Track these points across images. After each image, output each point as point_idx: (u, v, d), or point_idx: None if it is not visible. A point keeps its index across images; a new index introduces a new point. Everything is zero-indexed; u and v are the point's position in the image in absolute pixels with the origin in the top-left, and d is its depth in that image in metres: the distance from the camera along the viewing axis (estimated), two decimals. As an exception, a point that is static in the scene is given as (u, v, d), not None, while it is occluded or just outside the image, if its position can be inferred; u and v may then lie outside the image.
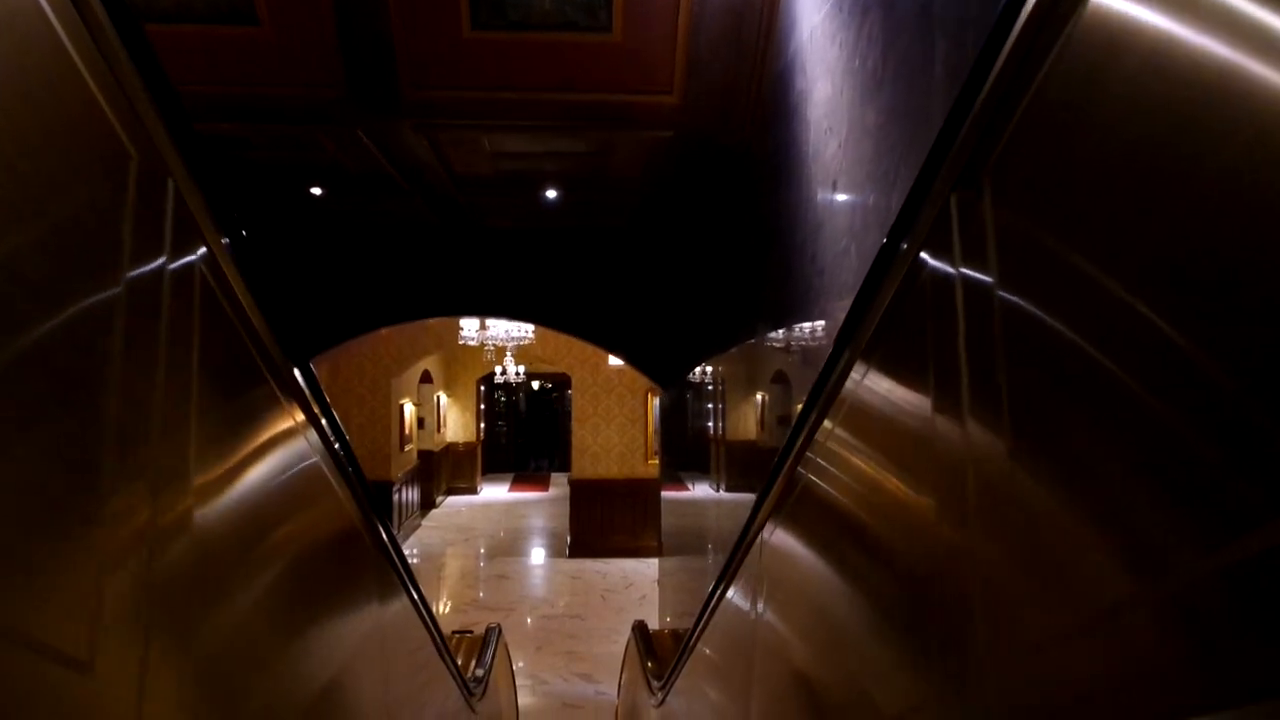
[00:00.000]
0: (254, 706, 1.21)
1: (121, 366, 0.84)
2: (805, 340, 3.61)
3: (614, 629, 8.62)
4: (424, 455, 14.74)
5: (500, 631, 5.61)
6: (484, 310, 6.11)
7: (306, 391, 1.45)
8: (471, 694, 4.10)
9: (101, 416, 0.80)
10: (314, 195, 5.48)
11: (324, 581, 1.65)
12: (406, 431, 12.86)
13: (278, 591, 1.33)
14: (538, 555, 12.13)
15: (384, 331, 11.70)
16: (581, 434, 11.92)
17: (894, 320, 1.18)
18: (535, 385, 21.25)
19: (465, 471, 17.13)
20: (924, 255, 1.08)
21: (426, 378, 15.21)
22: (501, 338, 7.45)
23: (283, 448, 1.35)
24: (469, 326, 7.43)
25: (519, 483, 18.76)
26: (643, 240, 6.21)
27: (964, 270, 0.96)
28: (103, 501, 0.80)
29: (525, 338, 10.09)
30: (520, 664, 7.33)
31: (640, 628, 5.49)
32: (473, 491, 17.01)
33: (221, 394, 1.14)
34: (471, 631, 5.68)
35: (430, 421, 15.64)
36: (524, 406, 21.75)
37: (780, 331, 4.10)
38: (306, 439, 1.46)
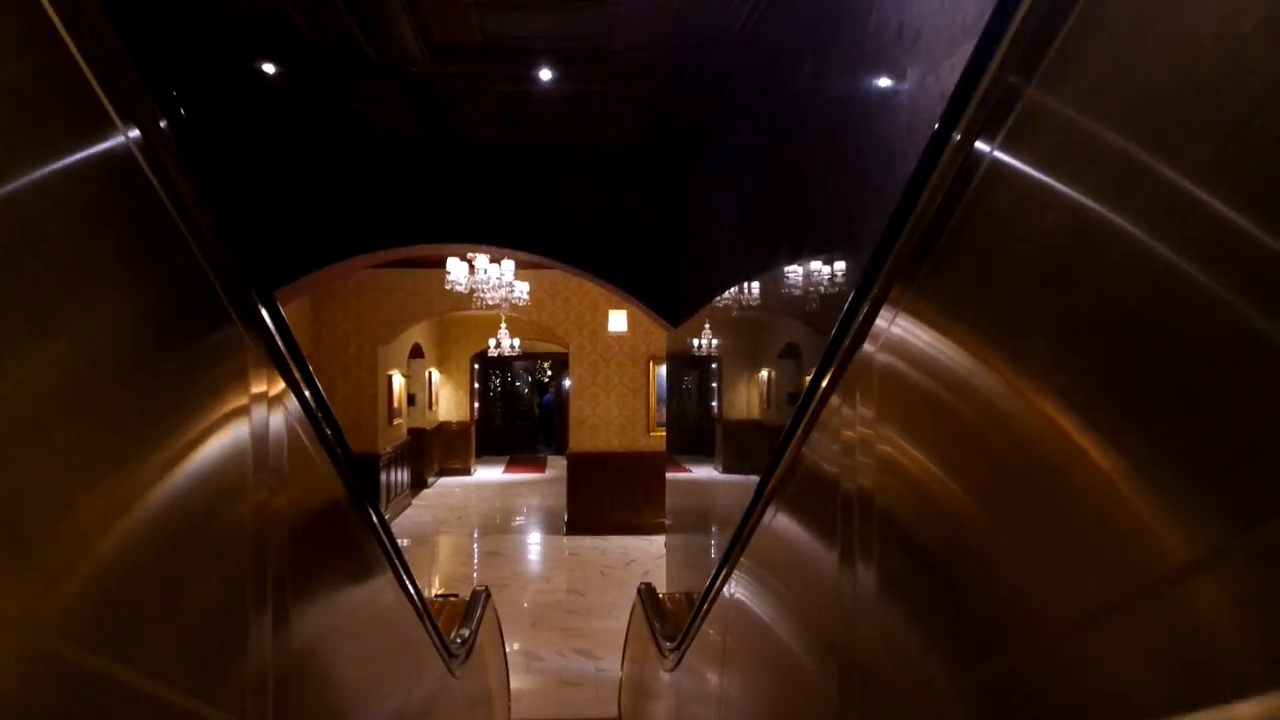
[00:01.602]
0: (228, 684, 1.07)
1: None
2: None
3: (615, 605, 8.01)
4: (415, 433, 14.12)
5: (489, 595, 4.99)
6: (472, 237, 5.44)
7: (270, 324, 1.20)
8: (452, 656, 3.48)
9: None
10: (265, 75, 4.74)
11: (302, 551, 1.41)
12: (395, 405, 12.22)
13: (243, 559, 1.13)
14: (533, 533, 11.51)
15: (370, 295, 11.08)
16: (579, 404, 11.29)
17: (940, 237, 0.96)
18: (534, 374, 20.63)
19: (458, 451, 16.53)
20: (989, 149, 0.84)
21: (417, 352, 14.58)
22: (494, 285, 6.81)
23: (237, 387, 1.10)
24: (457, 272, 6.79)
25: (514, 465, 18.20)
26: (649, 159, 5.52)
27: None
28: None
29: (521, 299, 9.44)
30: (515, 645, 6.71)
31: (647, 590, 4.87)
32: (466, 472, 16.43)
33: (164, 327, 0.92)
34: (456, 595, 5.06)
35: (421, 398, 15.03)
36: (520, 388, 21.12)
37: (816, 263, 3.47)
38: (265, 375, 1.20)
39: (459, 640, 3.92)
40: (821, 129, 3.42)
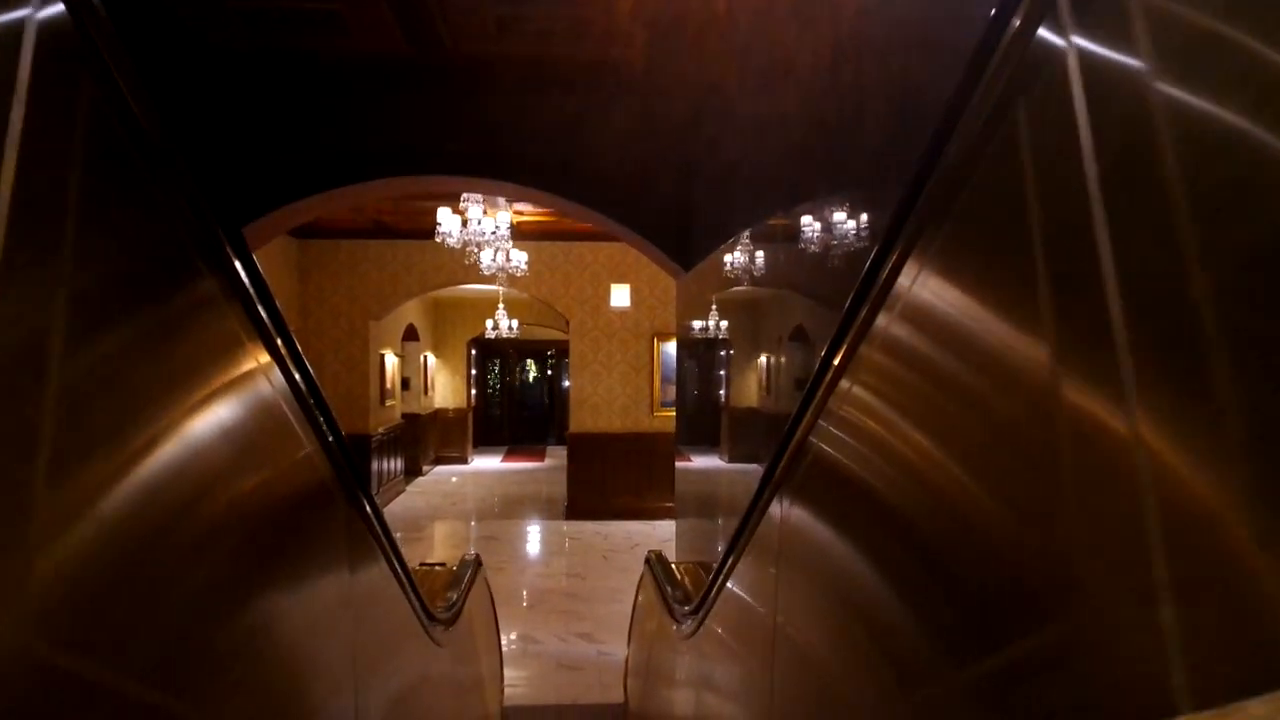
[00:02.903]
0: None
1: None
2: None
3: (619, 589, 7.48)
4: (410, 419, 13.61)
5: (480, 564, 4.48)
6: (463, 168, 4.87)
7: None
8: (433, 621, 2.96)
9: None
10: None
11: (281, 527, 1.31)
12: (388, 385, 11.70)
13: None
14: (531, 518, 10.98)
15: (360, 267, 10.57)
16: (580, 382, 10.76)
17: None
18: (531, 361, 20.09)
19: (455, 439, 16.02)
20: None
21: (412, 335, 14.07)
22: (488, 237, 6.29)
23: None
24: (449, 224, 6.28)
25: (513, 454, 17.68)
26: (662, 79, 4.94)
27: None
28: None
29: (519, 268, 8.91)
30: (511, 631, 6.19)
31: (658, 558, 4.35)
32: (463, 461, 15.92)
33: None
34: (444, 565, 4.54)
35: (416, 383, 14.52)
36: (518, 375, 20.59)
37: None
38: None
39: (444, 607, 3.40)
40: (858, 46, 2.90)
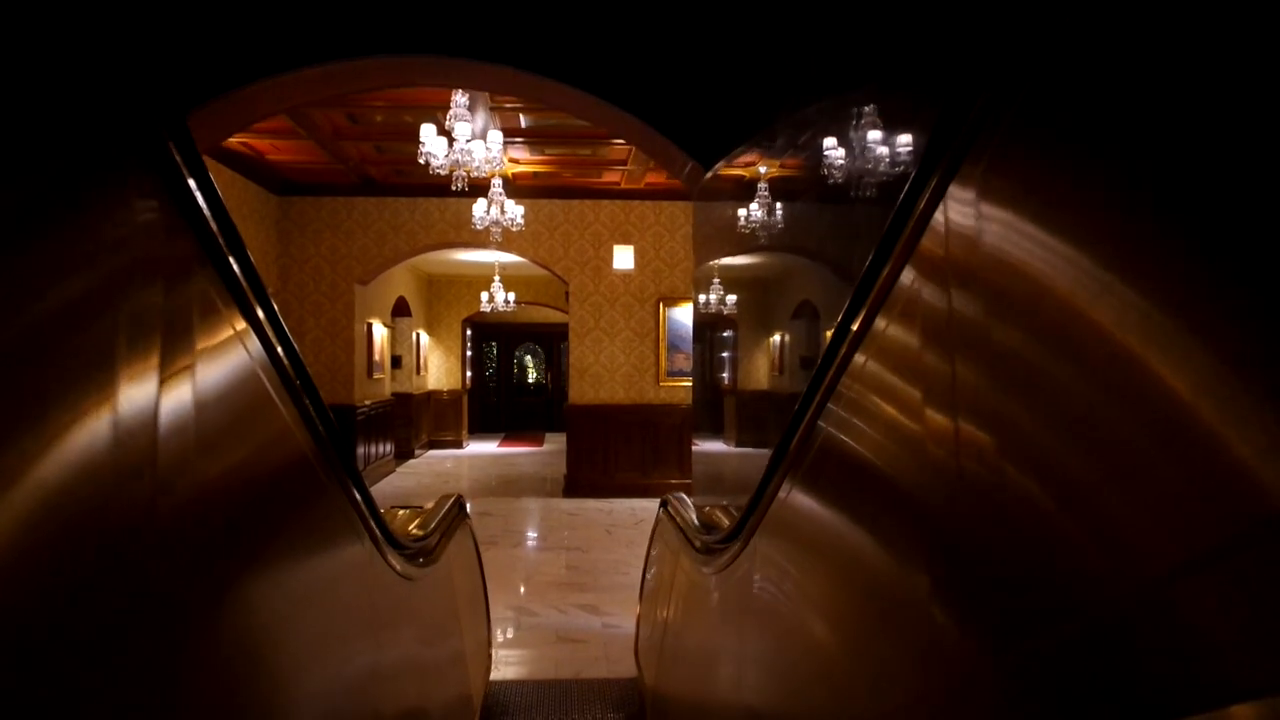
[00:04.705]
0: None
1: None
2: None
3: (624, 562, 6.78)
4: (401, 399, 12.90)
5: (463, 505, 3.76)
6: (446, 44, 4.09)
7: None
8: (392, 544, 2.25)
9: None
10: None
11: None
12: (376, 357, 10.98)
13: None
14: (528, 497, 10.25)
15: (344, 225, 9.86)
16: (580, 351, 10.04)
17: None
18: (528, 350, 19.36)
19: (449, 423, 15.31)
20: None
21: (403, 309, 13.36)
22: (478, 163, 5.57)
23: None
24: (433, 144, 5.57)
25: (510, 440, 16.96)
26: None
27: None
28: None
29: (515, 221, 8.19)
30: (502, 606, 5.46)
31: (676, 498, 3.62)
32: (458, 446, 15.20)
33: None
34: (421, 508, 3.82)
35: (408, 361, 13.81)
36: (516, 359, 19.87)
37: None
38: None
39: (415, 539, 2.68)
40: None
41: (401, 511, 3.54)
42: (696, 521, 2.96)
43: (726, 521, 2.81)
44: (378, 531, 2.06)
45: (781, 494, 1.72)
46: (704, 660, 2.67)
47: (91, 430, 0.72)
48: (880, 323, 1.19)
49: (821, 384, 1.42)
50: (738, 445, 14.60)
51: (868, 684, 1.22)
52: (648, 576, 4.28)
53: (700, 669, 2.71)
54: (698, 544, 2.81)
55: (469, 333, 16.24)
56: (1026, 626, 0.75)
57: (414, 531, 2.84)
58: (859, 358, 1.27)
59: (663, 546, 3.85)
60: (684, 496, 3.64)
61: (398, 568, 2.33)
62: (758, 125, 3.91)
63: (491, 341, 19.30)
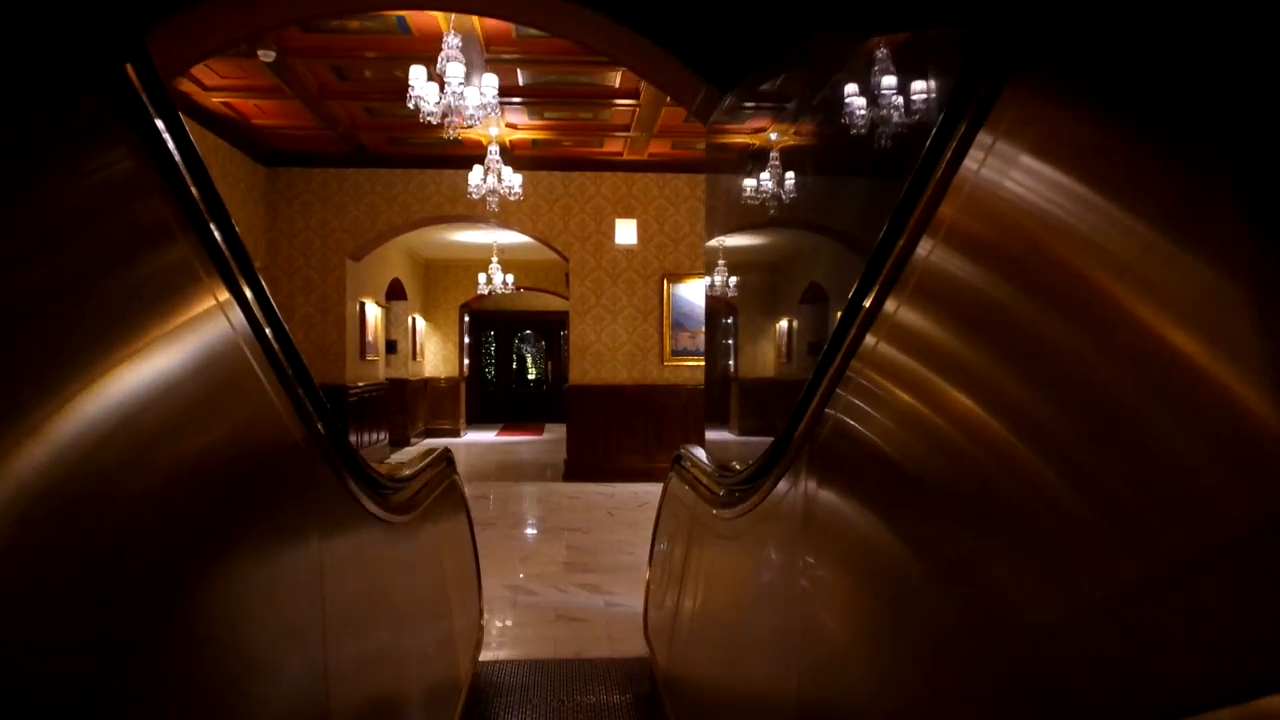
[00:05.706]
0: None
1: None
2: None
3: (628, 542, 6.39)
4: (396, 384, 12.52)
5: (451, 460, 3.37)
6: None
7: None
8: (378, 489, 1.85)
9: None
10: None
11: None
12: (370, 338, 10.59)
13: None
14: (527, 481, 9.85)
15: (335, 198, 9.49)
16: (581, 329, 9.64)
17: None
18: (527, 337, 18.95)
19: (447, 411, 14.91)
20: None
21: (398, 292, 12.96)
22: (472, 110, 5.17)
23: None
24: (424, 88, 5.17)
25: (509, 429, 16.58)
26: None
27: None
28: None
29: (513, 190, 7.79)
30: (497, 585, 5.04)
31: (687, 450, 3.23)
32: (455, 434, 14.80)
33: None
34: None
35: (404, 346, 13.43)
36: (516, 347, 19.47)
37: None
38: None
39: (395, 479, 2.28)
40: None
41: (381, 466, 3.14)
42: (713, 468, 2.56)
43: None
44: (340, 460, 1.66)
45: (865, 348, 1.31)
46: (735, 628, 2.27)
47: (60, 406, 0.67)
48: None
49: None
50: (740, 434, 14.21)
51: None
52: (659, 547, 3.88)
53: (729, 639, 2.31)
54: (710, 488, 2.41)
55: (467, 320, 15.84)
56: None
57: (399, 473, 2.44)
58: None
59: (671, 507, 3.45)
60: (698, 450, 3.24)
61: (369, 508, 1.94)
62: (781, 46, 3.51)
63: (490, 330, 18.90)
